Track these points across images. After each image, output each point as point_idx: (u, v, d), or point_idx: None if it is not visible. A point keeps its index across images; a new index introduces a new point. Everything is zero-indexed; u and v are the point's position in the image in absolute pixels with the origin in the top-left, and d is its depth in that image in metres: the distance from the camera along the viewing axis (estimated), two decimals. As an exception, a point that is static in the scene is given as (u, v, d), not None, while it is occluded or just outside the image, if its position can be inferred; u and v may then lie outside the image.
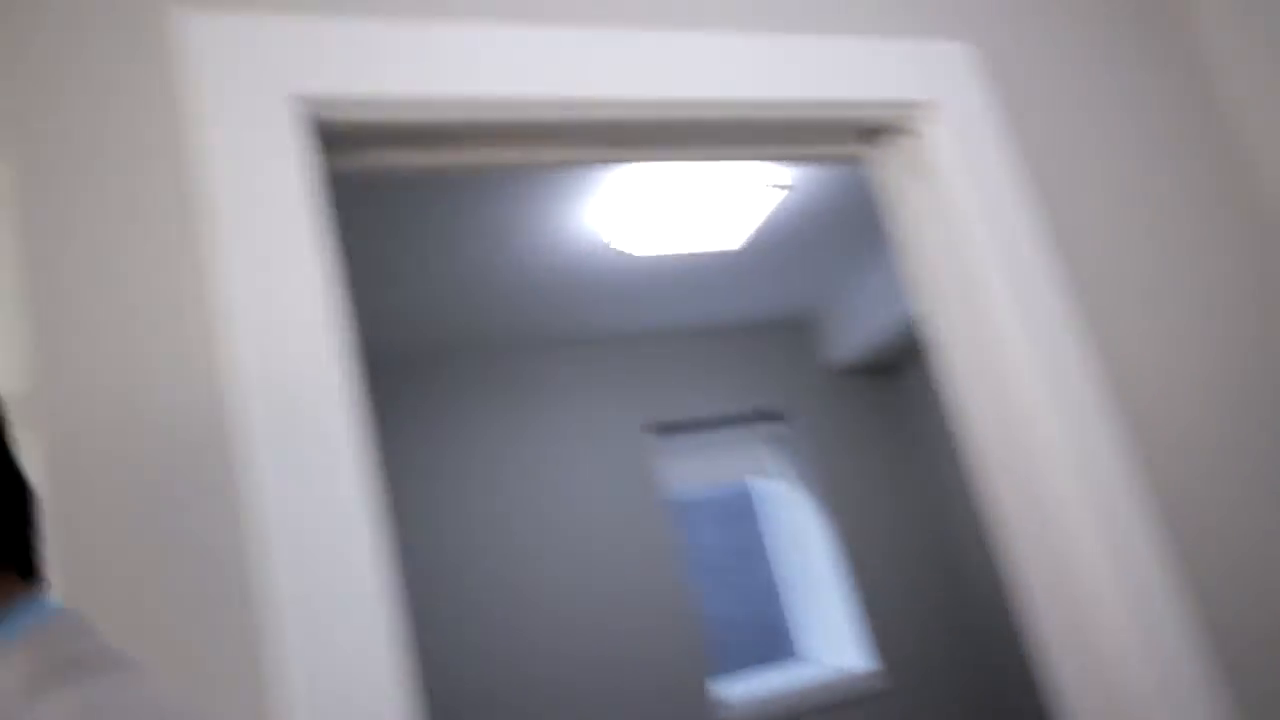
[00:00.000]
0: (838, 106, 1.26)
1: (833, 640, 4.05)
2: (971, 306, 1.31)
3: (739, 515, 4.18)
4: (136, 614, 0.86)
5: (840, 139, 1.33)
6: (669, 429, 3.98)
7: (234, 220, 0.97)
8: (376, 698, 0.89)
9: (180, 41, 1.00)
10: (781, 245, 3.46)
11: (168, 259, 0.96)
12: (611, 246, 3.15)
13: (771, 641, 4.03)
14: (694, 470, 4.04)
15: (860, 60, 1.30)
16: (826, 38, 1.29)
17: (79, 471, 0.88)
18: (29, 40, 0.99)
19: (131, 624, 0.85)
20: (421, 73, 1.10)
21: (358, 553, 0.92)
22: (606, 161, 1.27)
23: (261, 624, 0.88)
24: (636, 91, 1.17)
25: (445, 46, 1.12)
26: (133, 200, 0.97)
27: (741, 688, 3.81)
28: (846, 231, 3.47)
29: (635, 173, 2.72)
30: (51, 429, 0.89)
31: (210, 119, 0.99)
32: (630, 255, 3.25)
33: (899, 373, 4.42)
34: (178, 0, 1.04)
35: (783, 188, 3.04)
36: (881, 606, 4.01)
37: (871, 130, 1.34)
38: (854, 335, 4.07)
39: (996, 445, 1.29)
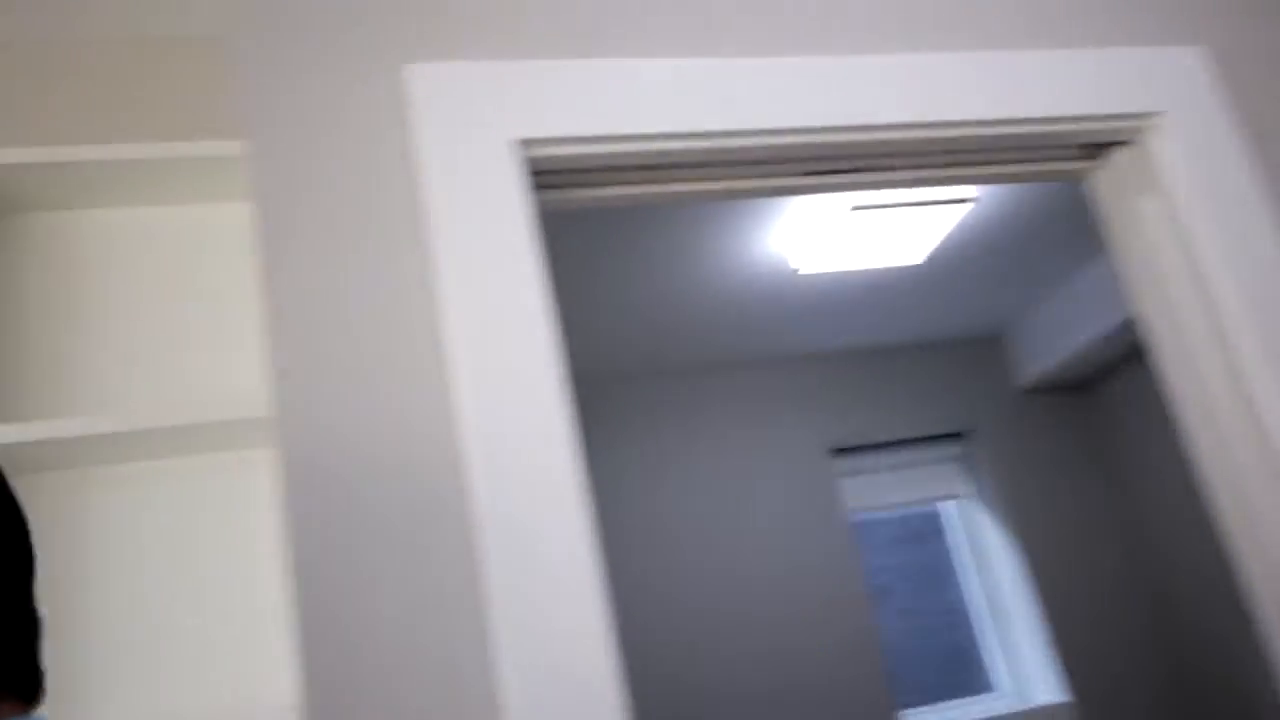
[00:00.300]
0: (1060, 122, 1.20)
1: (1022, 670, 3.86)
2: (1204, 322, 1.22)
3: (923, 538, 4.05)
4: (366, 620, 0.88)
5: (1062, 156, 1.26)
6: (852, 450, 3.89)
7: (462, 261, 0.99)
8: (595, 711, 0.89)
9: (409, 90, 1.04)
10: (966, 260, 3.34)
11: (399, 295, 1.00)
12: (794, 267, 3.11)
13: (958, 670, 3.88)
14: (877, 491, 3.95)
15: (1083, 73, 1.23)
16: (1047, 52, 1.23)
17: (313, 489, 0.92)
18: (271, 91, 1.04)
19: (364, 630, 0.88)
20: (626, 109, 1.11)
21: (578, 578, 0.92)
22: (821, 190, 1.25)
23: (490, 633, 0.89)
24: (849, 117, 1.14)
25: (648, 82, 1.12)
26: (366, 239, 1.01)
27: (927, 719, 3.68)
28: (1034, 245, 3.32)
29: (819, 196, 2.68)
30: (288, 452, 0.93)
31: (438, 164, 1.02)
32: (813, 275, 3.21)
33: (1092, 390, 4.20)
34: (407, 52, 1.08)
35: (966, 201, 2.94)
36: (1074, 635, 3.80)
37: (1095, 145, 1.27)
38: (1044, 352, 3.89)
39: (1233, 471, 1.19)
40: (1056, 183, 2.91)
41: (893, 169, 1.25)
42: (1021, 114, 1.19)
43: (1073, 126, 1.21)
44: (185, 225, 1.44)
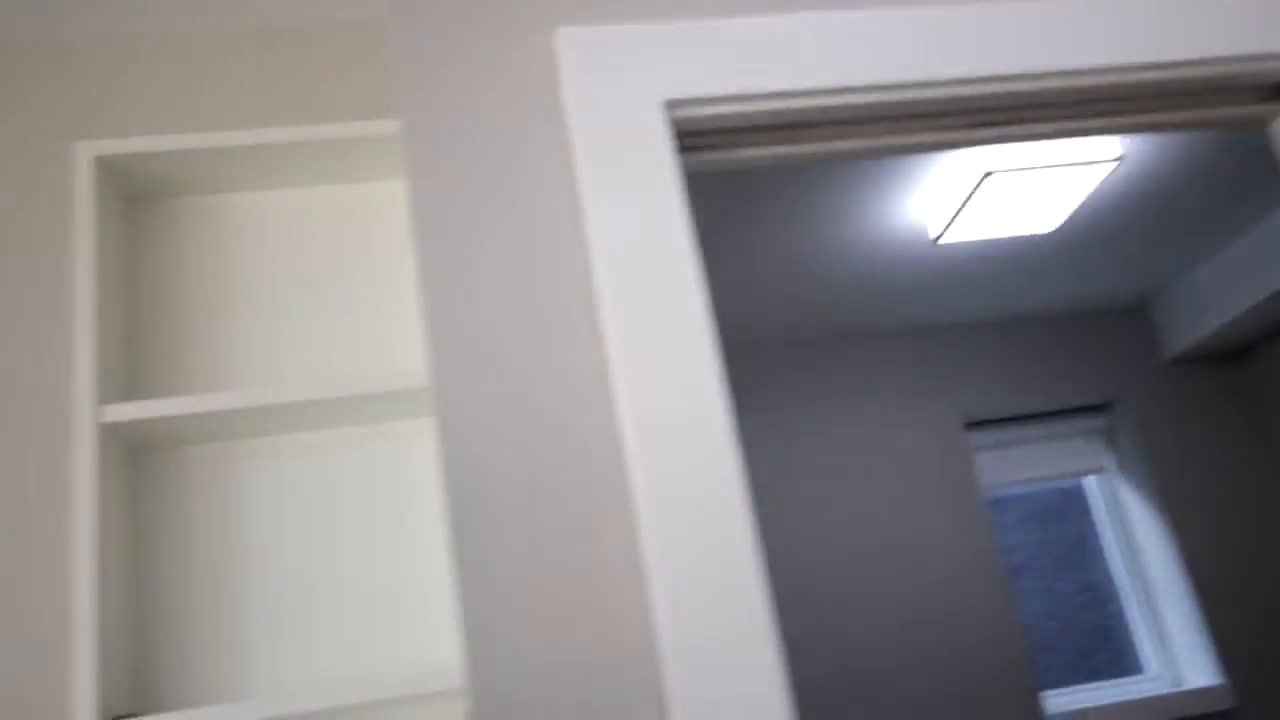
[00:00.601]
0: (1240, 63, 1.12)
1: (1173, 652, 3.69)
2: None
3: (1063, 514, 3.91)
4: (525, 586, 0.89)
5: (1241, 100, 1.18)
6: (988, 423, 3.78)
7: (613, 227, 0.99)
8: (755, 690, 0.87)
9: (560, 55, 1.04)
10: (1111, 223, 3.19)
11: (551, 263, 1.00)
12: (929, 235, 3.03)
13: (1103, 651, 3.74)
14: (1014, 466, 3.82)
15: (1266, 7, 1.14)
16: (1226, -14, 1.15)
17: (470, 459, 0.93)
18: (423, 65, 1.05)
19: (523, 596, 0.88)
20: (774, 66, 1.08)
21: (734, 544, 0.91)
22: (972, 144, 1.20)
23: (649, 596, 0.88)
24: (1008, 65, 1.09)
25: (796, 37, 1.09)
26: (518, 208, 1.01)
27: (1070, 700, 3.56)
28: (1185, 206, 3.15)
29: (953, 156, 2.59)
30: (445, 422, 0.94)
31: (587, 127, 1.01)
32: (949, 243, 3.12)
33: (1248, 359, 3.96)
34: (557, 16, 1.07)
35: (1112, 160, 2.80)
36: (1230, 616, 3.61)
37: (1278, 86, 1.18)
38: (1194, 319, 3.69)
39: None
40: (1231, 130, 2.74)
41: (1054, 119, 1.19)
42: (1197, 55, 1.11)
43: (1254, 66, 1.13)
44: (345, 204, 1.48)
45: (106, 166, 1.37)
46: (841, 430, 3.64)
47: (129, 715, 1.18)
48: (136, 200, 1.47)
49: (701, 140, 1.11)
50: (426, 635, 1.31)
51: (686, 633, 0.87)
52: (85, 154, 1.34)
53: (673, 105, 1.04)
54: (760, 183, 2.60)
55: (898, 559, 3.52)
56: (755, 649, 0.88)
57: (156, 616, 1.29)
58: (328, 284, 1.46)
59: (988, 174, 2.65)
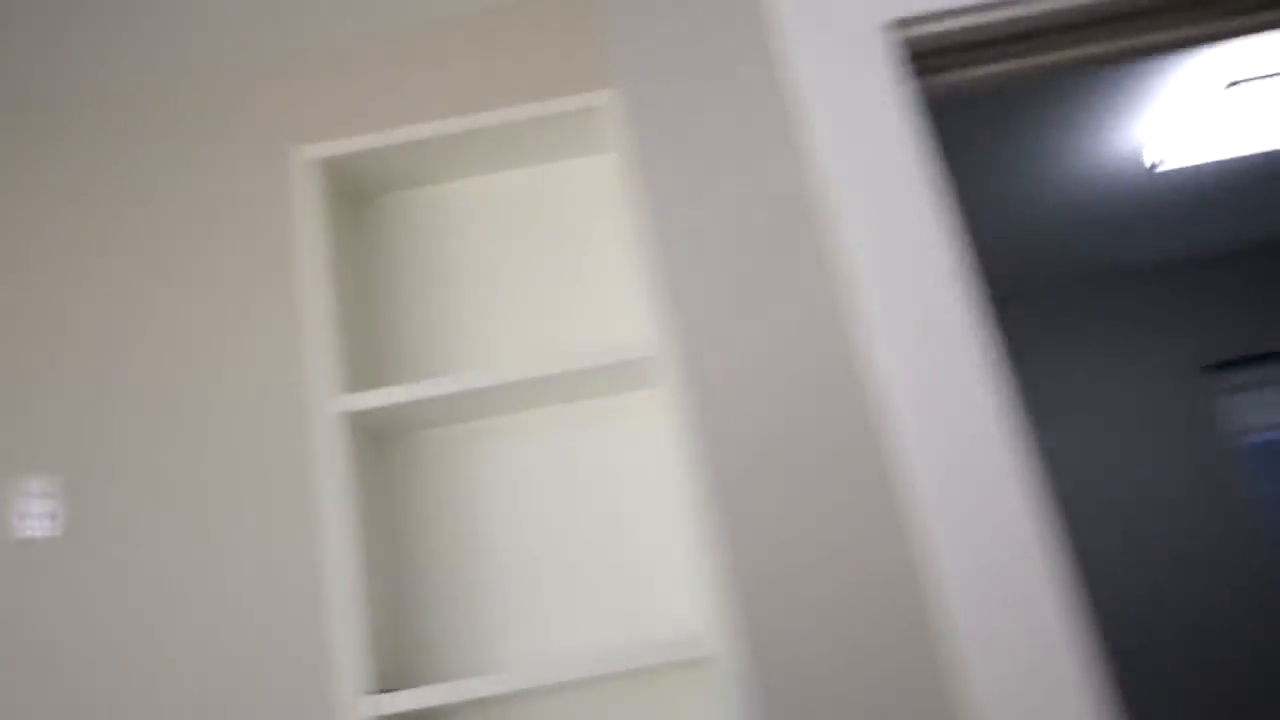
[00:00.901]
0: None
1: None
2: None
3: (1331, 460, 3.53)
4: (784, 545, 0.84)
5: None
6: (1232, 364, 3.46)
7: (843, 172, 0.93)
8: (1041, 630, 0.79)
9: (772, -15, 0.98)
10: (1374, 129, 2.83)
11: (779, 215, 0.95)
12: (1153, 162, 2.79)
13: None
14: (1265, 409, 3.48)
15: None
16: None
17: (720, 420, 0.89)
18: (633, 25, 1.02)
19: (783, 555, 0.84)
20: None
21: (1007, 485, 0.83)
22: (1221, 36, 1.06)
23: (921, 550, 0.82)
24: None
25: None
26: (743, 160, 0.97)
27: (1354, 663, 3.21)
28: None
29: (1189, 73, 2.36)
30: (691, 385, 0.91)
31: (807, 65, 0.95)
32: (1181, 169, 2.85)
33: None
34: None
35: (1376, 56, 2.47)
36: None
37: None
38: None
39: None
40: None
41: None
42: None
43: None
44: (549, 183, 1.48)
45: (326, 167, 1.42)
46: (1067, 380, 3.42)
47: (395, 689, 1.22)
48: (354, 198, 1.52)
49: (930, 62, 1.03)
50: (657, 606, 1.29)
51: (965, 587, 0.81)
52: (307, 156, 1.39)
53: (898, 25, 0.97)
54: (962, 113, 2.44)
55: (1135, 518, 3.27)
56: (1035, 586, 0.80)
57: (406, 594, 1.33)
58: (539, 262, 1.47)
59: (1232, 84, 2.39)
